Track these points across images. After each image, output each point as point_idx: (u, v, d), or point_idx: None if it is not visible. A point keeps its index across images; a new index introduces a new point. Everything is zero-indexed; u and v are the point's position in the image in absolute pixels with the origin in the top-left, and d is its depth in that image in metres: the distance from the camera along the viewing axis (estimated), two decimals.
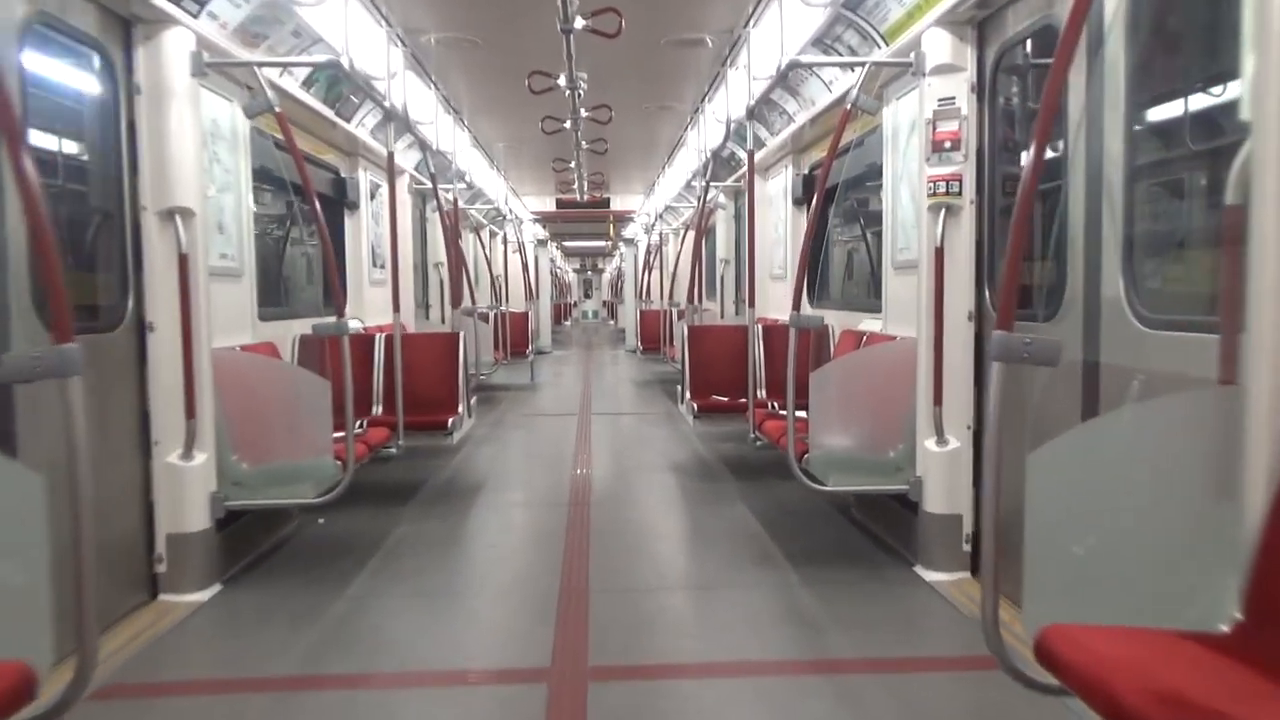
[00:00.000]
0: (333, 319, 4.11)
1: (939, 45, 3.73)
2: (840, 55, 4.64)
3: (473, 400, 6.32)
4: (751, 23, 5.62)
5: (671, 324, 10.74)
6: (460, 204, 9.12)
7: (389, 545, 4.41)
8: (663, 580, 4.04)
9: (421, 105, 6.73)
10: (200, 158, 3.70)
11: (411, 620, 3.47)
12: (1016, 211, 2.05)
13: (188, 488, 3.65)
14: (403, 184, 7.59)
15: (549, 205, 16.42)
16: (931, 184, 3.75)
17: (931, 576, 3.80)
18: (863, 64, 4.04)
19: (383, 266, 7.02)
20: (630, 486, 5.95)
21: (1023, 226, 2.06)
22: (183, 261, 3.57)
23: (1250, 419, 1.85)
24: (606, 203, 16.52)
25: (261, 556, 4.23)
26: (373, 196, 7.04)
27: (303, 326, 5.18)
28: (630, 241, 18.66)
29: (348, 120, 5.83)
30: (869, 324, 4.97)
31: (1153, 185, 2.96)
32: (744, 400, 5.70)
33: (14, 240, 2.83)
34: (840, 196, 5.79)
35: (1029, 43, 3.51)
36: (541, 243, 17.92)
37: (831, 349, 5.38)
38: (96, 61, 3.41)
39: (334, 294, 4.40)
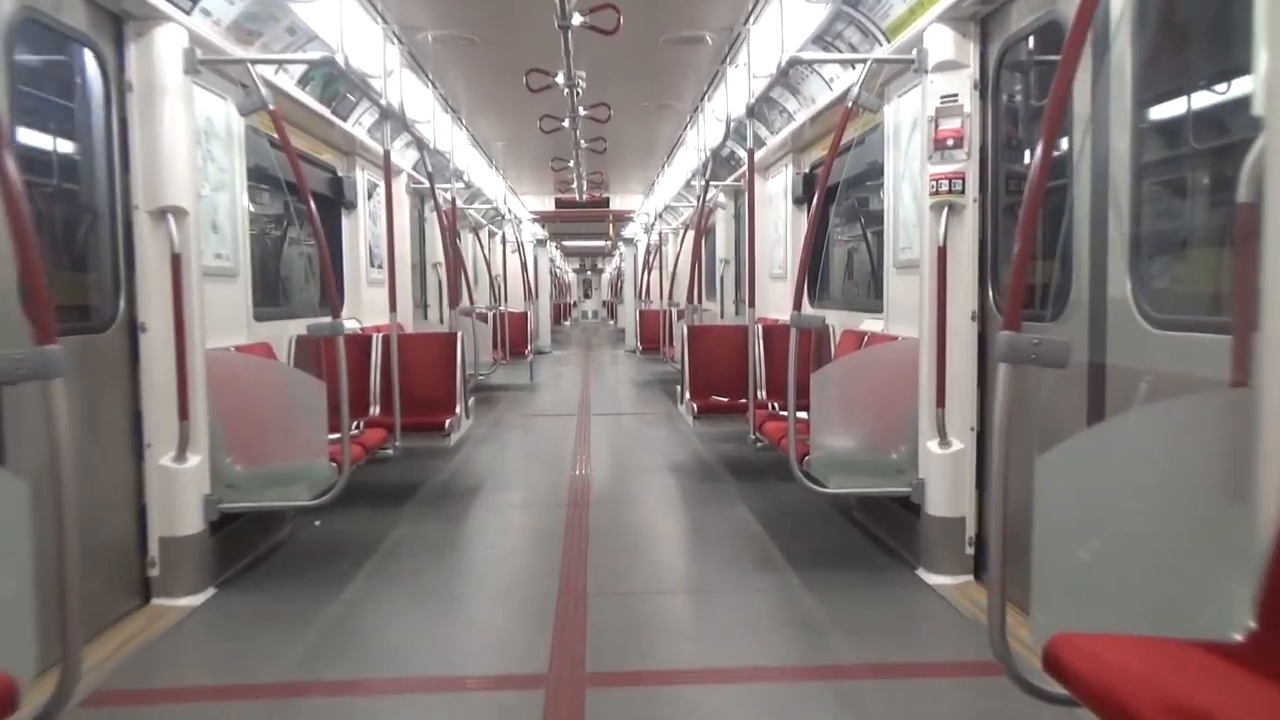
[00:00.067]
0: (328, 319, 4.07)
1: (941, 42, 3.69)
2: (841, 52, 4.60)
3: (471, 401, 6.28)
4: (751, 20, 5.58)
5: (671, 324, 10.70)
6: (458, 203, 9.08)
7: (385, 548, 4.37)
8: (662, 583, 4.00)
9: (419, 103, 6.69)
10: (193, 156, 3.66)
11: (408, 624, 3.43)
12: (1024, 210, 2.00)
13: (181, 490, 3.61)
14: (400, 183, 7.56)
15: (548, 205, 16.37)
16: (934, 182, 3.71)
17: (934, 580, 3.76)
18: (864, 61, 3.99)
19: (380, 266, 6.98)
20: (629, 488, 5.91)
21: (1030, 226, 2.01)
22: (175, 261, 3.53)
23: (1263, 421, 1.81)
24: (606, 202, 16.48)
25: (256, 560, 4.18)
26: (370, 196, 7.00)
27: (299, 327, 5.13)
28: (630, 241, 18.63)
29: (344, 119, 5.78)
30: (870, 324, 4.92)
31: (1160, 183, 2.92)
32: (744, 401, 5.66)
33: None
34: (841, 195, 5.75)
35: (1033, 39, 3.47)
36: (540, 242, 17.88)
37: (832, 349, 5.34)
38: (87, 58, 3.37)
39: (330, 294, 4.36)
